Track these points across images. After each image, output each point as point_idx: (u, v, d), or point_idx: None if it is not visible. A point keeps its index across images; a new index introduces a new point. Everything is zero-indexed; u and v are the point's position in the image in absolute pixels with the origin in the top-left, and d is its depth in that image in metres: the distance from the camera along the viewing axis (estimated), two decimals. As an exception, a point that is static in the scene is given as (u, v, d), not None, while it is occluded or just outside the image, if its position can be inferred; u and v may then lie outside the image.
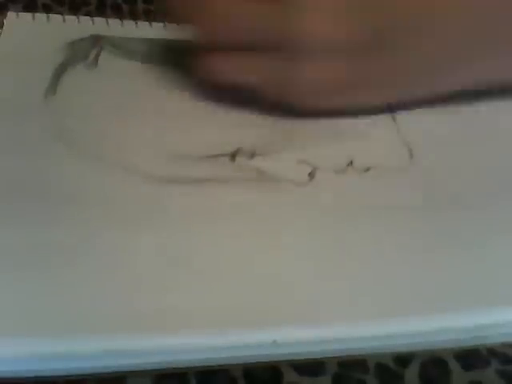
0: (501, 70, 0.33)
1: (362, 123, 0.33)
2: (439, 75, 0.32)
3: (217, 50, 0.31)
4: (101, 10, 0.40)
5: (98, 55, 0.36)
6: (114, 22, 0.39)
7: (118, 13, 0.40)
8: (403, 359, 0.24)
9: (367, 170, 0.31)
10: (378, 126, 0.33)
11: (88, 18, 0.39)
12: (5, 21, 0.37)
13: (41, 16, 0.38)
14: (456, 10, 0.31)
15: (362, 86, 0.32)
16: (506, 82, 0.33)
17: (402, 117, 0.34)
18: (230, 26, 0.30)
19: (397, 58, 0.31)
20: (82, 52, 0.36)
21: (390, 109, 0.34)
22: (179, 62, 0.35)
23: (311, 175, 0.30)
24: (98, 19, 0.39)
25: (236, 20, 0.30)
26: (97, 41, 0.37)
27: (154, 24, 0.39)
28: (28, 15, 0.38)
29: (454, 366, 0.24)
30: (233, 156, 0.31)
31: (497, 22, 0.31)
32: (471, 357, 0.25)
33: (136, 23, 0.39)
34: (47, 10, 0.39)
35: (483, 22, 0.31)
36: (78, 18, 0.38)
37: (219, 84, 0.32)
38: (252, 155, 0.31)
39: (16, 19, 0.37)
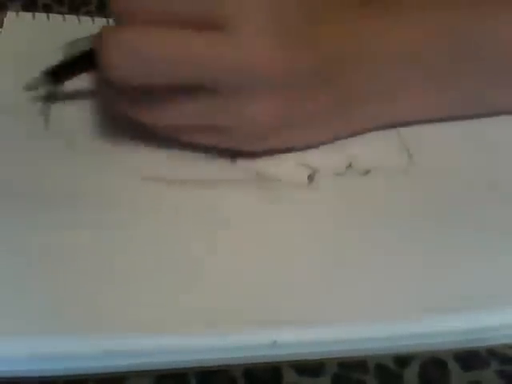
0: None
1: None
2: (377, 109, 0.31)
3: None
4: (101, 10, 0.40)
5: (97, 55, 0.36)
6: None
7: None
8: (403, 360, 0.25)
9: (367, 172, 0.31)
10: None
11: (88, 17, 0.39)
12: (5, 20, 0.37)
13: (41, 15, 0.38)
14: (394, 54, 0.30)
15: (297, 125, 0.30)
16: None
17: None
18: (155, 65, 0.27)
19: (333, 94, 0.30)
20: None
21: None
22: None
23: (311, 177, 0.31)
24: (98, 19, 0.39)
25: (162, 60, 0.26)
26: None
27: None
28: (28, 14, 0.38)
29: (454, 367, 0.24)
30: (233, 158, 0.31)
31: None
32: (470, 357, 0.25)
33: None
34: (47, 9, 0.39)
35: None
36: (78, 17, 0.39)
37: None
38: (252, 157, 0.31)
39: (16, 18, 0.38)
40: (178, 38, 0.26)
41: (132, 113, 0.29)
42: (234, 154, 0.31)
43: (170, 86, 0.27)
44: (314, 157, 0.31)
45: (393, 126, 0.33)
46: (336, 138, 0.32)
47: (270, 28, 0.27)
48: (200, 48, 0.26)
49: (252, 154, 0.31)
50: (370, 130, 0.32)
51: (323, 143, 0.32)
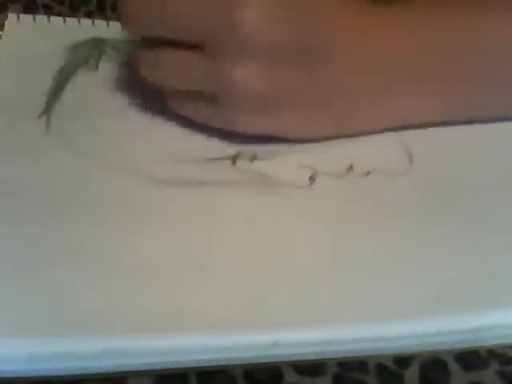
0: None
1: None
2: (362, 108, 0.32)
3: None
4: (101, 10, 0.41)
5: (98, 58, 0.37)
6: (115, 25, 0.39)
7: (118, 12, 0.41)
8: (403, 360, 0.25)
9: (367, 174, 0.31)
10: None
11: (89, 20, 0.39)
12: (5, 23, 0.38)
13: (41, 18, 0.39)
14: (387, 44, 0.30)
15: (286, 103, 0.30)
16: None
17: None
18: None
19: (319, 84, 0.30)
20: (82, 55, 0.37)
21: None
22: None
23: (312, 179, 0.31)
24: (98, 21, 0.39)
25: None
26: (97, 44, 0.37)
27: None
28: (29, 17, 0.39)
29: (454, 367, 0.25)
30: (234, 159, 0.31)
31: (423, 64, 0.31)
32: (471, 358, 0.25)
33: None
34: (47, 9, 0.40)
35: (411, 63, 0.31)
36: (78, 20, 0.39)
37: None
38: (253, 159, 0.32)
39: (16, 21, 0.38)
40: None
41: (133, 65, 0.32)
42: (235, 156, 0.31)
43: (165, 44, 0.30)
44: (315, 158, 0.32)
45: (392, 128, 0.33)
46: (335, 133, 0.32)
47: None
48: (190, 7, 0.29)
49: (244, 138, 0.31)
50: (371, 132, 0.33)
51: (318, 135, 0.32)
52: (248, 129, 0.31)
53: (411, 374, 0.24)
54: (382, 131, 0.33)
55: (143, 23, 0.30)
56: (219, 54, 0.29)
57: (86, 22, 0.39)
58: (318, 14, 0.29)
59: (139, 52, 0.32)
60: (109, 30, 0.39)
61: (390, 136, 0.33)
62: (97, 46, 0.38)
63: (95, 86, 0.35)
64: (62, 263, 0.26)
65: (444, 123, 0.33)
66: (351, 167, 0.31)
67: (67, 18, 0.39)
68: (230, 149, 0.32)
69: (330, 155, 0.32)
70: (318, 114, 0.31)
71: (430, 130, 0.33)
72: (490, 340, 0.25)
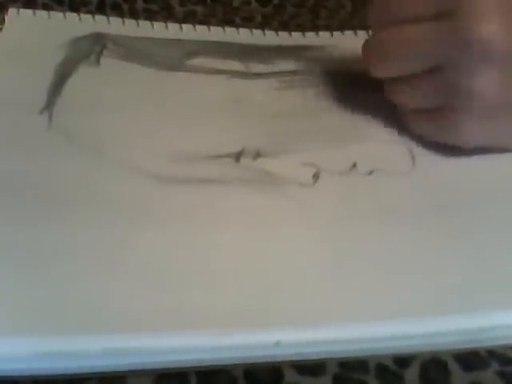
0: None
1: (366, 127, 0.34)
2: None
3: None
4: (101, 11, 0.41)
5: (99, 53, 0.37)
6: (115, 20, 0.40)
7: (118, 12, 0.41)
8: (404, 360, 0.25)
9: (370, 172, 0.32)
10: (381, 130, 0.34)
11: (89, 15, 0.40)
12: (6, 17, 0.38)
13: (41, 13, 0.39)
14: None
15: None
16: None
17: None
18: (397, 56, 0.32)
19: None
20: (84, 50, 0.37)
21: None
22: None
23: (315, 177, 0.31)
24: (98, 17, 0.40)
25: (403, 49, 0.32)
26: (99, 38, 0.38)
27: (155, 23, 0.40)
28: (29, 12, 0.39)
29: (454, 367, 0.25)
30: (237, 157, 0.32)
31: None
32: (471, 358, 0.25)
33: (137, 22, 0.40)
34: (47, 9, 0.40)
35: None
36: (78, 15, 0.40)
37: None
38: (256, 156, 0.32)
39: (17, 16, 0.39)
40: (416, 32, 0.31)
41: (389, 95, 0.34)
42: (238, 154, 0.32)
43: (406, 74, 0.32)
44: (318, 156, 0.32)
45: None
46: None
47: (494, 12, 0.29)
48: (433, 35, 0.30)
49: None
50: None
51: None
52: (475, 139, 0.32)
53: (411, 374, 0.25)
54: None
55: (393, 66, 0.32)
56: (458, 68, 0.30)
57: (87, 17, 0.40)
58: None
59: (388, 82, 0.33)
60: (110, 24, 0.40)
61: (394, 135, 0.34)
62: (98, 40, 0.38)
63: (96, 82, 0.36)
64: (63, 262, 0.27)
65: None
66: (354, 166, 0.32)
67: (67, 13, 0.40)
68: (234, 146, 0.32)
69: (333, 153, 0.32)
70: None
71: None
72: (491, 341, 0.26)
